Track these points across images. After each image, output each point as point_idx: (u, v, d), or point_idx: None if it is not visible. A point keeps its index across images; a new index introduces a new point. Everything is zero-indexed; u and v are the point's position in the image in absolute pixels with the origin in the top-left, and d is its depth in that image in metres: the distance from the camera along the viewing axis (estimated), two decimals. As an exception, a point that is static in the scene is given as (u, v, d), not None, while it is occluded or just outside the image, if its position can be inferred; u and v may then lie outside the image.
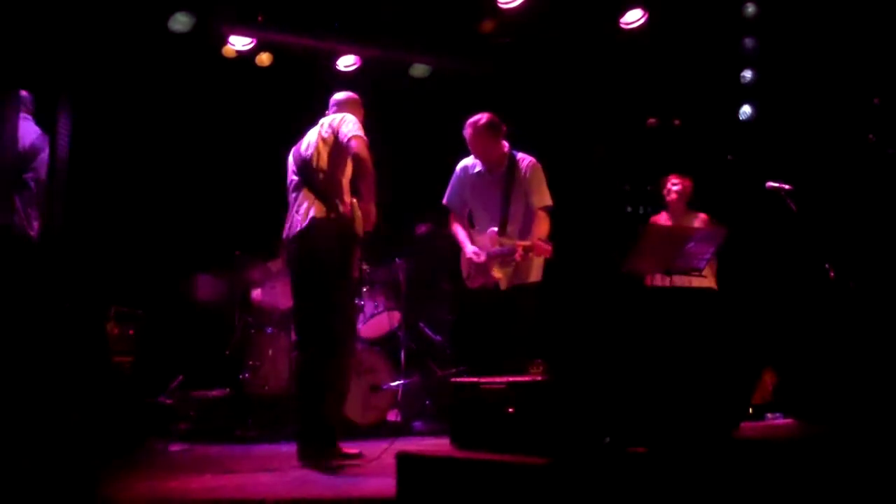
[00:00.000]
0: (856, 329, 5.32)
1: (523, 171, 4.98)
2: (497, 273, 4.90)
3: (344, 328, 4.48)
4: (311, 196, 4.51)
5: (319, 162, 4.52)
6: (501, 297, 4.90)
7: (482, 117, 4.96)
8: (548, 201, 4.97)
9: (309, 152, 4.58)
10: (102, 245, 6.27)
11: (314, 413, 4.35)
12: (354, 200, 4.49)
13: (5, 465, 3.91)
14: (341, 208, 4.45)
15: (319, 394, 4.37)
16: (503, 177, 4.98)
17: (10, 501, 3.36)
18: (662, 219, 6.02)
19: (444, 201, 5.20)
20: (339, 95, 4.85)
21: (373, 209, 4.43)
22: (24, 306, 4.45)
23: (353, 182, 4.57)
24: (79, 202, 5.24)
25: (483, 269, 4.92)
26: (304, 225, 4.45)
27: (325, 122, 4.64)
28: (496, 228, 4.94)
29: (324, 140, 4.55)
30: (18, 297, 4.42)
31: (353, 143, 4.42)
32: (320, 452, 4.29)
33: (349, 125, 4.50)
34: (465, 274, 5.10)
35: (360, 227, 4.47)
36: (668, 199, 6.00)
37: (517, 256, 4.72)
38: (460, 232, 5.08)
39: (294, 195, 4.61)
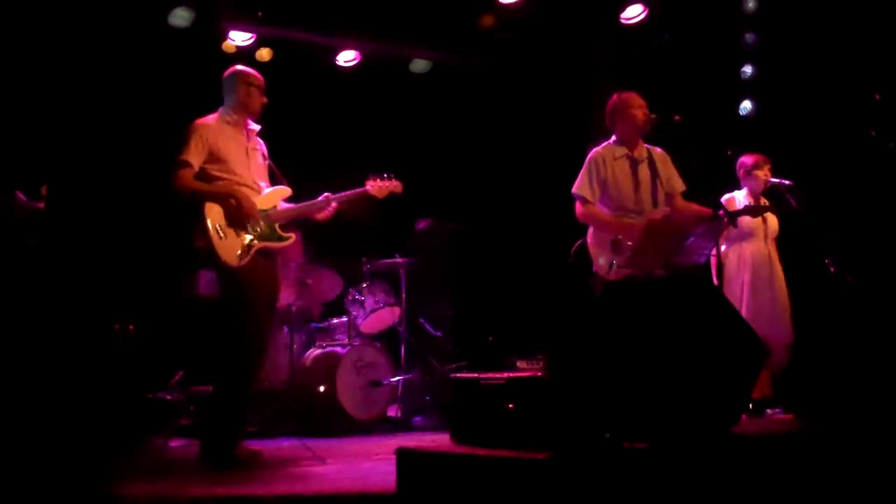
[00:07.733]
0: (856, 324, 5.33)
1: (661, 155, 4.86)
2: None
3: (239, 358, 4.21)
4: None
5: None
6: (661, 285, 4.51)
7: None
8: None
9: None
10: (103, 241, 6.26)
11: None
12: (217, 226, 4.03)
13: (6, 463, 3.91)
14: (203, 237, 3.99)
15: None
16: (649, 161, 4.78)
17: (11, 499, 3.36)
18: (741, 196, 5.73)
19: (579, 191, 4.70)
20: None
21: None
22: (25, 303, 4.45)
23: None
24: (79, 198, 5.24)
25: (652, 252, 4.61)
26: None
27: None
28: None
29: None
30: (20, 294, 4.43)
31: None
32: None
33: (183, 141, 4.13)
34: (606, 260, 4.64)
35: (228, 257, 4.02)
36: (763, 183, 5.65)
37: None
38: (609, 216, 4.69)
39: None
